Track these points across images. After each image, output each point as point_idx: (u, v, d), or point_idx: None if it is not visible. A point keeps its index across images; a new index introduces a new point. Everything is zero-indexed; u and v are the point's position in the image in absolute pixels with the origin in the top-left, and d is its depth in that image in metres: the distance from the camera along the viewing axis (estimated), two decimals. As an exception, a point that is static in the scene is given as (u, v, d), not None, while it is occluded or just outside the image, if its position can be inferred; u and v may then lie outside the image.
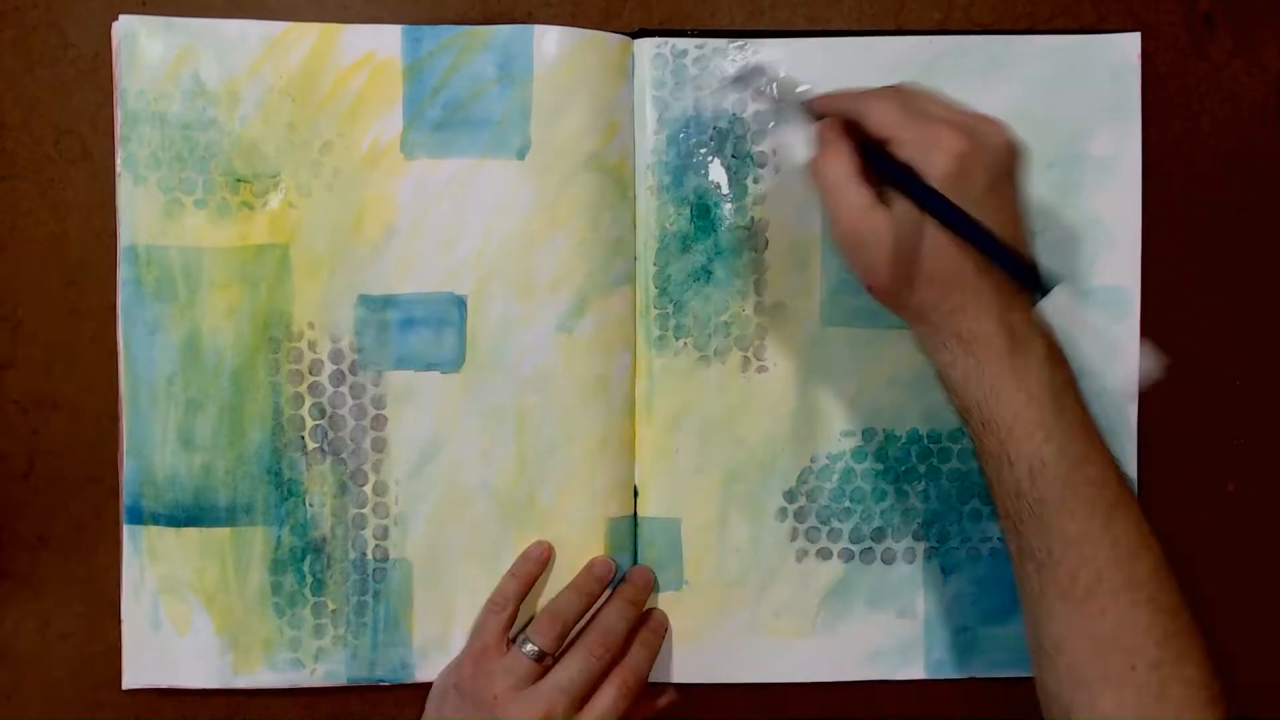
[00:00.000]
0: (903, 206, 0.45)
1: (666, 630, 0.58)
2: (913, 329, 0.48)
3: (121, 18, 0.57)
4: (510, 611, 0.55)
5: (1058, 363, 0.47)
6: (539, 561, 0.56)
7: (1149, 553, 0.46)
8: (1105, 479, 0.46)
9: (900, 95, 0.47)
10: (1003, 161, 0.46)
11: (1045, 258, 0.57)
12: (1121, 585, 0.45)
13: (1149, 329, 0.58)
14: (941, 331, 0.47)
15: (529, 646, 0.54)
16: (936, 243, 0.45)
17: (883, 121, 0.45)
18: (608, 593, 0.57)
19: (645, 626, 0.57)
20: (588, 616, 0.56)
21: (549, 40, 0.56)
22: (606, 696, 0.53)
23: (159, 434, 0.57)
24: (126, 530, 0.57)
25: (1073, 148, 0.58)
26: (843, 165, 0.46)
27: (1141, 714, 0.44)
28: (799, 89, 0.55)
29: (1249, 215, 0.59)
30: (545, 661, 0.53)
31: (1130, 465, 0.58)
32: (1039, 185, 0.58)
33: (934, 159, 0.44)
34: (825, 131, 0.48)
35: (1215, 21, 0.59)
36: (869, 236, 0.46)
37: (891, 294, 0.47)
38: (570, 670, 0.53)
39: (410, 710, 0.58)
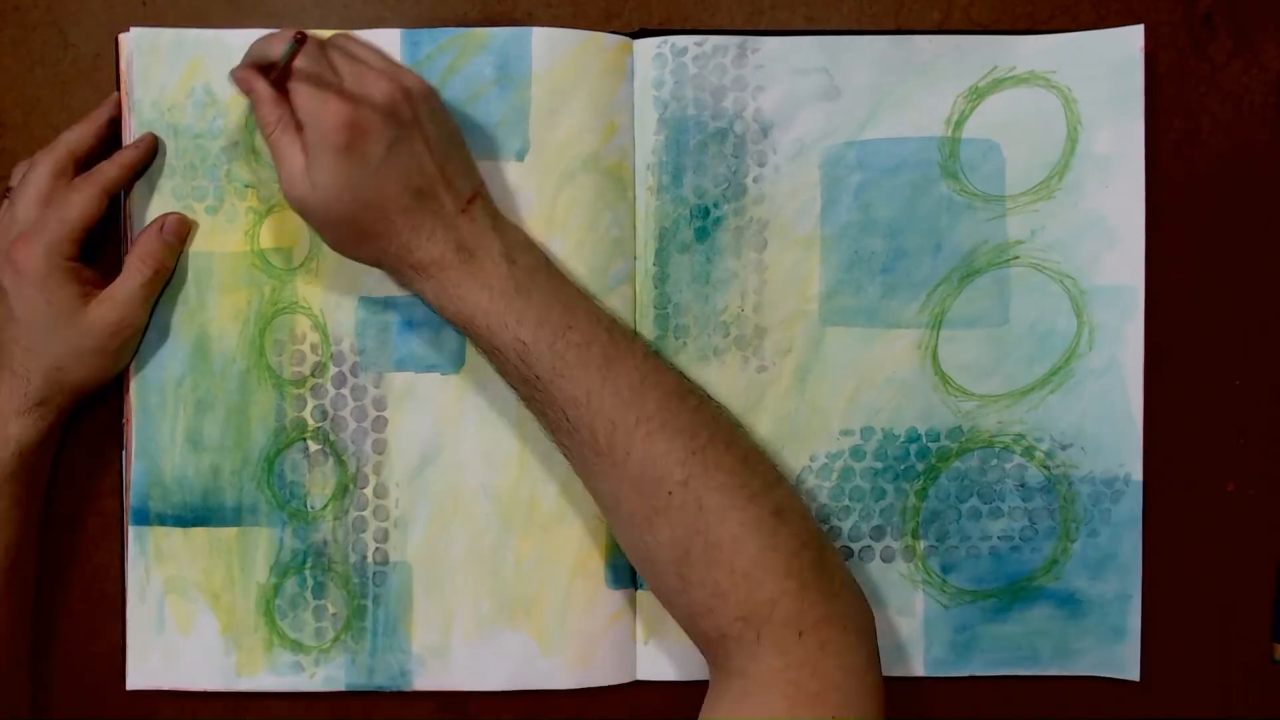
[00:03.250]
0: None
1: (134, 158, 0.57)
2: (386, 273, 0.53)
3: (132, 30, 0.57)
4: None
5: (517, 254, 0.52)
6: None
7: (654, 388, 0.50)
8: (592, 338, 0.50)
9: (309, 58, 0.50)
10: (400, 115, 0.50)
11: (1045, 258, 0.57)
12: (633, 424, 0.49)
13: (1151, 328, 0.58)
14: (402, 269, 0.52)
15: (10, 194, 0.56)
16: (360, 203, 0.50)
17: (293, 93, 0.49)
18: None
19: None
20: None
21: (546, 42, 0.56)
22: (56, 200, 0.54)
23: (167, 435, 0.57)
24: (132, 531, 0.57)
25: (1074, 146, 0.58)
26: (283, 126, 0.50)
27: (690, 530, 0.48)
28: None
29: (1249, 216, 0.59)
30: None
31: (1135, 465, 0.58)
32: (1041, 185, 0.58)
33: (320, 132, 0.48)
34: (262, 89, 0.51)
35: (1215, 21, 0.58)
36: (309, 201, 0.50)
37: (347, 252, 0.52)
38: (20, 187, 0.55)
39: (408, 717, 0.58)
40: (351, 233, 0.51)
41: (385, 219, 0.50)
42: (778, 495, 0.50)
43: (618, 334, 0.52)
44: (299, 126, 0.49)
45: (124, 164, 0.56)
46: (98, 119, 0.57)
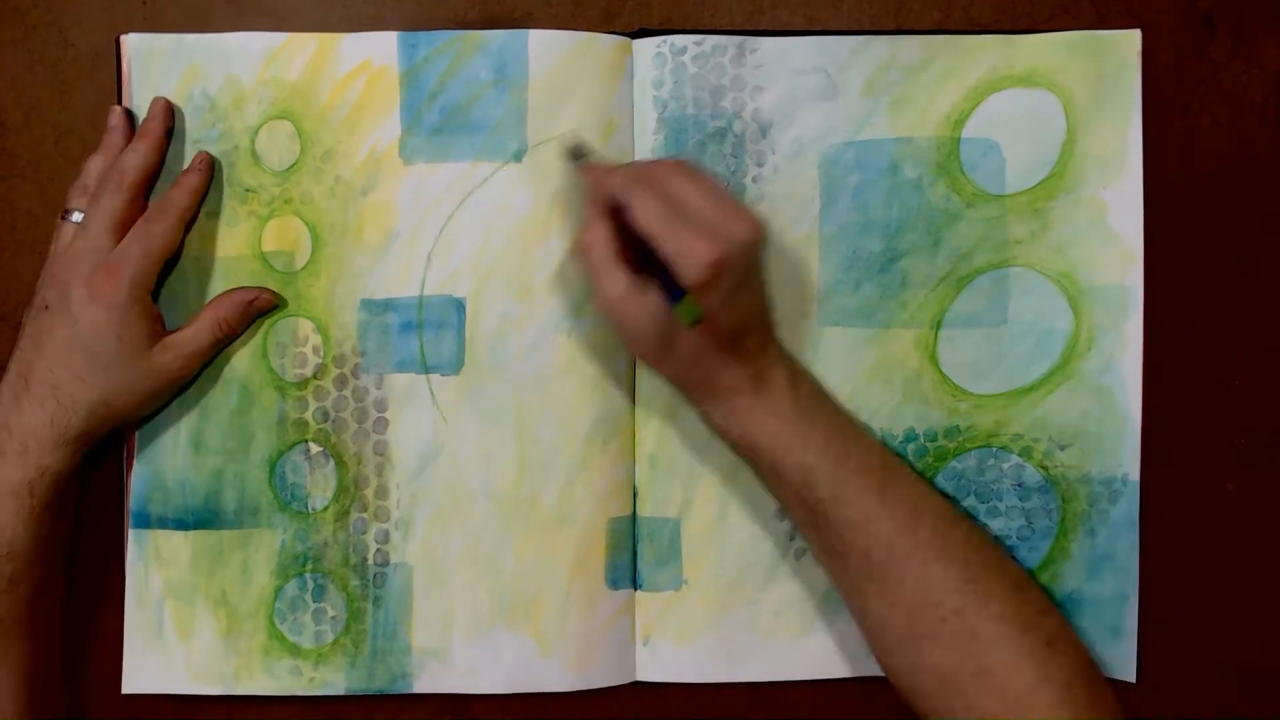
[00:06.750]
0: (655, 296, 0.50)
1: (200, 182, 0.56)
2: (675, 387, 0.54)
3: (131, 36, 0.57)
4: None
5: (800, 383, 0.53)
6: (120, 131, 0.57)
7: (928, 513, 0.51)
8: (868, 464, 0.52)
9: (664, 190, 0.49)
10: (750, 258, 0.50)
11: (1044, 258, 0.57)
12: (909, 551, 0.50)
13: (1151, 328, 0.58)
14: (698, 391, 0.53)
15: (71, 216, 0.55)
16: (687, 334, 0.50)
17: (647, 220, 0.48)
18: None
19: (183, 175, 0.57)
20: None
21: (544, 43, 0.56)
22: (136, 231, 0.54)
23: (170, 439, 0.58)
24: (132, 535, 0.58)
25: (1073, 146, 0.58)
26: (603, 248, 0.50)
27: (962, 657, 0.49)
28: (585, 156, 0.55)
29: (1249, 215, 0.59)
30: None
31: (1132, 465, 0.58)
32: (1040, 185, 0.58)
33: (688, 268, 0.47)
34: (592, 211, 0.52)
35: (1215, 21, 0.58)
36: (628, 318, 0.50)
37: (652, 364, 0.53)
38: (92, 213, 0.54)
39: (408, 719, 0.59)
40: (661, 351, 0.51)
41: (703, 350, 0.50)
42: (1050, 624, 0.50)
43: (889, 459, 0.53)
44: (622, 247, 0.50)
45: (193, 189, 0.56)
46: (153, 135, 0.56)
